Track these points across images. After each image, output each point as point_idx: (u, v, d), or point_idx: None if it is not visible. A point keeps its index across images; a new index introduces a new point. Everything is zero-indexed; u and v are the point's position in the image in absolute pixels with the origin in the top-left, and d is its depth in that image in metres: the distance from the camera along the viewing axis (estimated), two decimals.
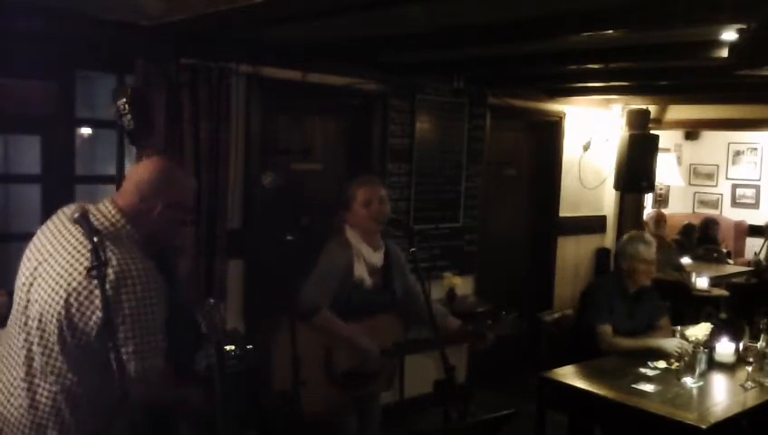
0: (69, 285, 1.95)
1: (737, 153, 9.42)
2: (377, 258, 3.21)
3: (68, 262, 1.98)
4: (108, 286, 1.84)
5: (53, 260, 2.02)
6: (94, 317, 1.92)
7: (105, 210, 2.08)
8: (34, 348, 2.00)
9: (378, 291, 3.19)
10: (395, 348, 3.13)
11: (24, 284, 2.08)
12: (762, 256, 7.75)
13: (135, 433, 2.05)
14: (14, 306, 2.11)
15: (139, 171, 2.19)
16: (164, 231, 2.20)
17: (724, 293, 6.32)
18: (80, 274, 1.95)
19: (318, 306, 2.98)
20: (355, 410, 3.21)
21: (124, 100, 2.30)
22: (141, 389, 1.97)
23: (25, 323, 2.03)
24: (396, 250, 3.36)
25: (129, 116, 2.31)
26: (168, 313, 2.08)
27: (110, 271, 1.88)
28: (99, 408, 2.01)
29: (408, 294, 3.31)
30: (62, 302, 1.94)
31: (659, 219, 7.01)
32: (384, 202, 3.19)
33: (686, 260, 6.90)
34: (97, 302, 1.90)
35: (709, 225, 8.18)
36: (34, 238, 2.14)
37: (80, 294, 1.94)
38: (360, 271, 3.13)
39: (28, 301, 2.04)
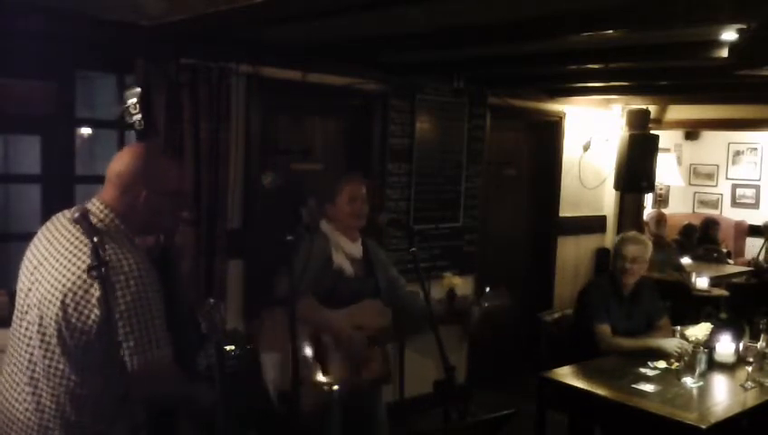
0: (64, 286, 1.94)
1: (737, 153, 9.41)
2: (355, 249, 3.27)
3: (63, 264, 1.98)
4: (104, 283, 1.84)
5: (48, 263, 2.01)
6: (92, 316, 1.92)
7: (94, 208, 2.06)
8: (36, 351, 2.00)
9: (360, 279, 3.25)
10: (383, 333, 3.14)
11: (22, 289, 2.08)
12: (761, 257, 7.75)
13: (136, 434, 2.05)
14: (16, 311, 2.10)
15: (117, 161, 2.14)
16: (156, 223, 2.17)
17: (724, 293, 6.31)
18: (74, 274, 1.94)
19: (294, 291, 2.96)
20: (341, 406, 3.18)
21: (135, 100, 2.30)
22: (147, 383, 1.97)
23: (27, 328, 2.03)
24: (374, 245, 3.42)
25: (139, 116, 2.30)
26: (172, 313, 2.08)
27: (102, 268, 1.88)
28: (104, 408, 2.01)
29: (392, 288, 3.36)
30: (58, 303, 1.94)
31: (660, 219, 7.02)
32: (365, 202, 3.26)
33: (686, 260, 6.91)
34: (93, 300, 1.90)
35: (709, 225, 8.18)
36: (32, 243, 2.13)
37: (75, 293, 1.93)
38: (340, 260, 3.19)
39: (28, 305, 2.04)
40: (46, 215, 2.19)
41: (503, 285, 3.21)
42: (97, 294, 1.87)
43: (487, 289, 3.23)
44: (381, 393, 3.42)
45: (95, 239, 1.79)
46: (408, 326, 3.49)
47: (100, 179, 2.17)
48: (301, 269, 3.05)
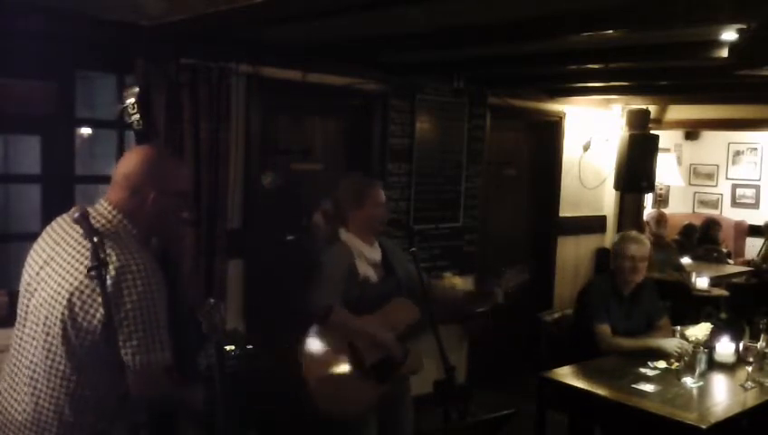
0: (71, 284, 1.95)
1: (737, 153, 9.41)
2: (375, 253, 3.25)
3: (70, 263, 1.99)
4: (109, 282, 1.84)
5: (55, 263, 2.02)
6: (98, 315, 1.92)
7: (101, 209, 2.07)
8: (38, 352, 2.00)
9: (384, 281, 3.23)
10: (409, 330, 3.14)
11: (27, 289, 2.08)
12: (761, 257, 7.75)
13: (136, 434, 2.05)
14: (19, 313, 2.10)
15: (125, 163, 2.15)
16: (163, 223, 2.17)
17: (724, 293, 6.31)
18: (81, 273, 1.95)
19: (330, 305, 2.98)
20: (376, 412, 3.18)
21: (133, 100, 2.30)
22: (147, 383, 1.97)
23: (31, 328, 2.03)
24: (388, 243, 3.41)
25: (137, 116, 2.30)
26: (173, 313, 2.08)
27: (110, 267, 1.88)
28: (105, 407, 2.01)
29: (411, 281, 3.34)
30: (65, 302, 1.94)
31: (660, 219, 7.02)
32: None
33: (686, 260, 6.90)
34: (100, 299, 1.90)
35: (710, 225, 8.17)
36: (36, 244, 2.13)
37: (82, 293, 1.94)
38: (364, 269, 3.15)
39: (33, 306, 2.04)
40: (46, 215, 2.20)
41: (519, 261, 3.28)
42: (102, 294, 1.87)
43: (504, 269, 3.26)
44: (409, 385, 3.41)
45: (95, 240, 1.79)
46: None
47: (100, 179, 2.18)
48: (328, 282, 3.05)
